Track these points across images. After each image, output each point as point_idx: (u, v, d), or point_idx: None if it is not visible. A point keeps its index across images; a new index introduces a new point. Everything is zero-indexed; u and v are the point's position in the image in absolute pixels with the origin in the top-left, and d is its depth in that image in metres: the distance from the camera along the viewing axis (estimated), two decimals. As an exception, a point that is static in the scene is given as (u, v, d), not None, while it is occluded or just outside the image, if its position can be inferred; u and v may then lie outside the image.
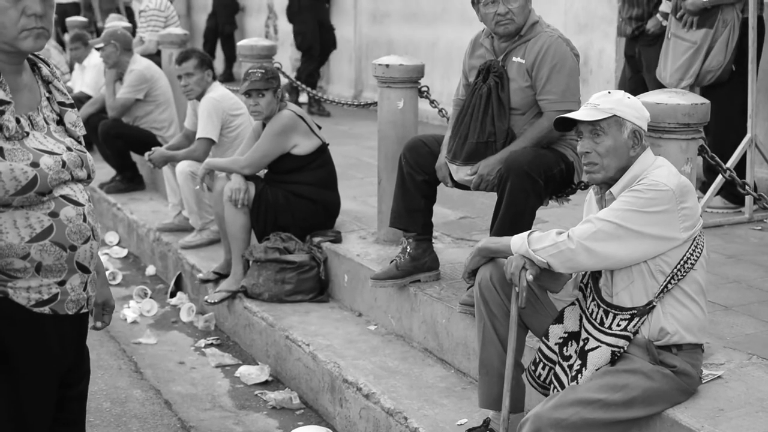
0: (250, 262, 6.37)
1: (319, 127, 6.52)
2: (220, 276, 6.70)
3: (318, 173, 6.44)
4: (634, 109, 3.84)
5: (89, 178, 3.11)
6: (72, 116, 3.12)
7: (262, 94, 6.29)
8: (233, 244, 6.43)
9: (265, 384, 5.76)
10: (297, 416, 5.38)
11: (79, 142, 3.13)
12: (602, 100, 3.85)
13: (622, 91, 3.94)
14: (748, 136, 6.50)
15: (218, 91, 7.30)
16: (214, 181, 6.42)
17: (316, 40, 12.17)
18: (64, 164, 3.00)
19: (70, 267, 3.01)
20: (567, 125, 3.95)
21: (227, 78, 14.85)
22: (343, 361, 5.30)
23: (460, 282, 5.27)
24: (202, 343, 6.41)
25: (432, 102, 6.21)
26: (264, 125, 6.44)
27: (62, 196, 3.00)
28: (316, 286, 6.30)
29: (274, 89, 6.31)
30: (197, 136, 7.22)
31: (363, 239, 6.37)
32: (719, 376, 4.05)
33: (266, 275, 6.26)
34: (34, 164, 2.91)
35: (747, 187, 4.82)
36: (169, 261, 7.56)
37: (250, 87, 6.28)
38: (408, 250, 5.43)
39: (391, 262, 5.53)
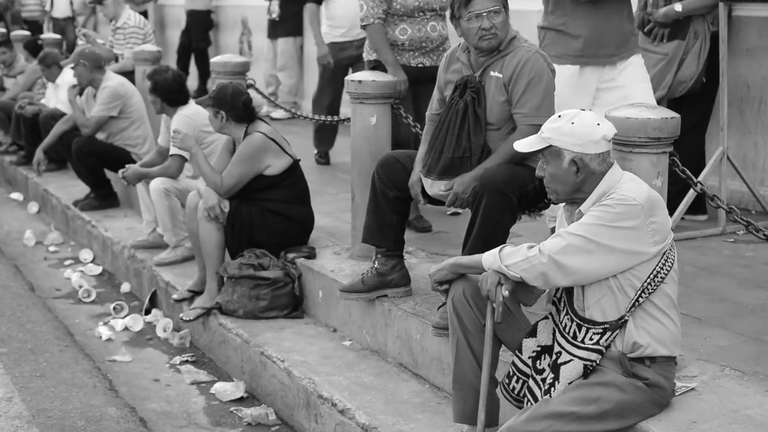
0: (225, 279, 6.36)
1: (288, 144, 6.53)
2: (195, 293, 6.68)
3: (291, 190, 6.44)
4: (575, 136, 3.78)
5: None
6: None
7: (209, 108, 6.47)
8: (208, 260, 6.42)
9: (240, 401, 5.74)
10: (272, 433, 5.38)
11: None
12: (547, 126, 3.85)
13: (572, 114, 3.82)
14: (720, 149, 6.54)
15: (191, 107, 7.28)
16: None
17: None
18: None
19: None
20: None
21: (201, 94, 14.83)
22: (318, 377, 5.29)
23: (435, 297, 5.27)
24: (177, 360, 6.38)
25: (405, 118, 6.22)
26: (234, 142, 6.47)
27: None
28: (291, 302, 6.29)
29: (216, 111, 6.37)
30: (170, 153, 7.20)
31: (337, 255, 6.37)
32: (692, 389, 4.07)
33: (241, 291, 6.24)
34: None
35: (718, 200, 4.83)
36: (144, 278, 7.53)
37: (200, 100, 6.57)
38: (375, 266, 5.44)
39: (360, 275, 5.54)
